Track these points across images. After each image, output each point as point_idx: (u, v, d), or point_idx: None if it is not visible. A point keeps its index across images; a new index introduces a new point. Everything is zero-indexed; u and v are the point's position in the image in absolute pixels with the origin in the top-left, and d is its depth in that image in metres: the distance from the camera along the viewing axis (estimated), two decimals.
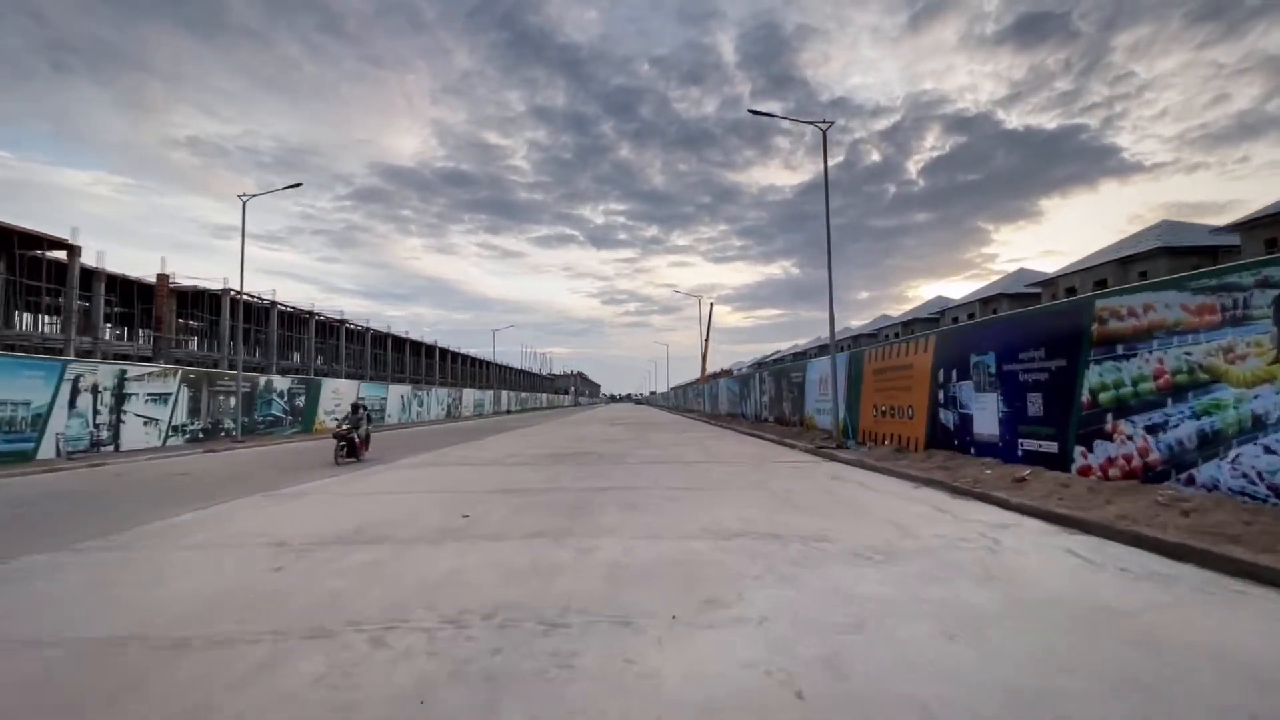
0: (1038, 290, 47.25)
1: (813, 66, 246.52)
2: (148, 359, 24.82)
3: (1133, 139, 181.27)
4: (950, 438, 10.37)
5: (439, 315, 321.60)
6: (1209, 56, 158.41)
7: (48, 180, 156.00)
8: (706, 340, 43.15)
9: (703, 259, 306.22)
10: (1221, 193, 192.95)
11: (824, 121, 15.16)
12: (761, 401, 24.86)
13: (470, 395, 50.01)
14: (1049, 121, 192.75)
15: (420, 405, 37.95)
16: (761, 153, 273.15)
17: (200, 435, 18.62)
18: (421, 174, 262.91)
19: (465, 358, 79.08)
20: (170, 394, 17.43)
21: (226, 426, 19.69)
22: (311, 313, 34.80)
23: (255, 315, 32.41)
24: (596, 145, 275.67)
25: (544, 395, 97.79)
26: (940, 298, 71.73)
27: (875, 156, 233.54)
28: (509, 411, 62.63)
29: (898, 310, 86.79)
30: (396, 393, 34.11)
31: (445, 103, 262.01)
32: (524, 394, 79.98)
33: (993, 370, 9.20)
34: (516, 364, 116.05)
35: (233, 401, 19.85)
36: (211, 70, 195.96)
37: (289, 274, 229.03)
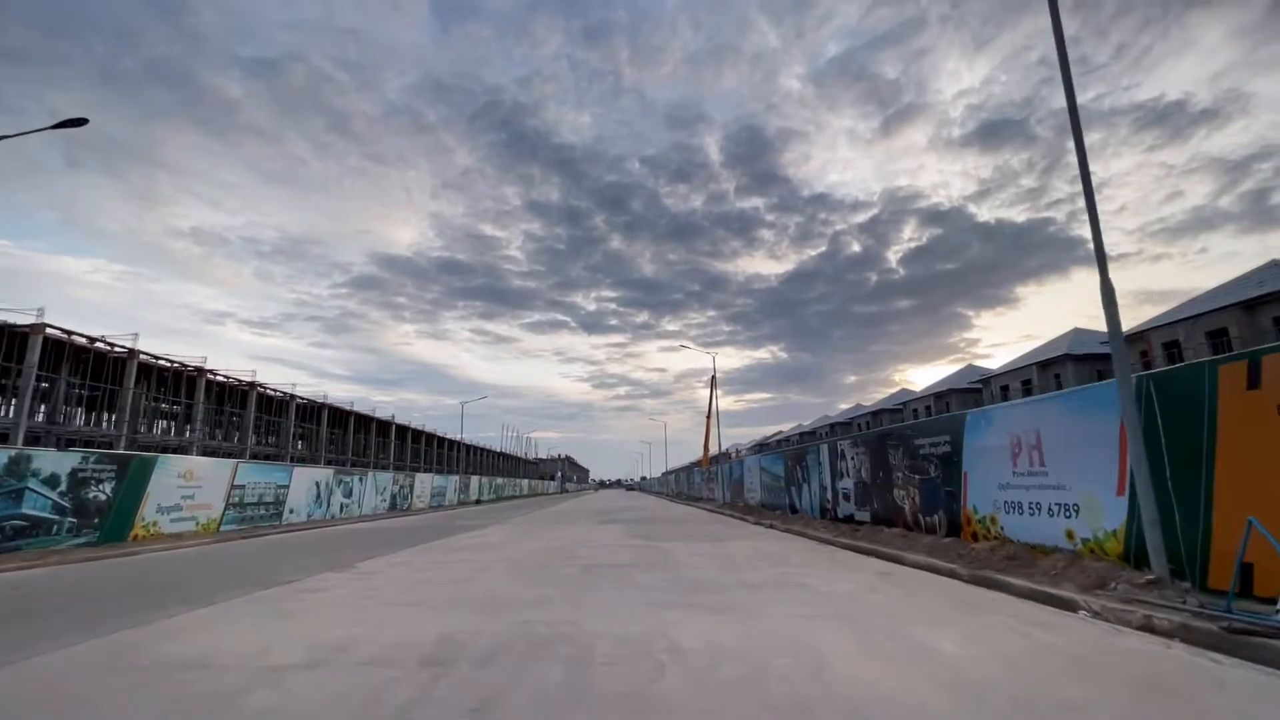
0: None
1: (794, 165, 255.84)
2: None
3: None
4: None
5: (430, 400, 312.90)
6: (1159, 158, 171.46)
7: (47, 268, 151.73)
8: (714, 409, 34.65)
9: (692, 344, 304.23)
10: (1186, 280, 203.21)
11: None
12: (839, 489, 16.01)
13: (427, 482, 40.30)
14: (1018, 215, 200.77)
15: (348, 495, 28.42)
16: (747, 244, 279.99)
17: None
18: (418, 263, 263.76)
19: (432, 437, 69.63)
20: None
21: None
22: (201, 369, 25.81)
23: (111, 372, 23.57)
24: (589, 236, 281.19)
25: (525, 481, 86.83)
26: (972, 367, 64.12)
27: (856, 247, 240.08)
28: (478, 501, 52.36)
29: (892, 390, 79.78)
30: (306, 478, 24.65)
31: (444, 197, 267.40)
32: (501, 480, 69.60)
33: None
34: (498, 446, 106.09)
35: None
36: (219, 165, 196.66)
37: (278, 359, 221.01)
